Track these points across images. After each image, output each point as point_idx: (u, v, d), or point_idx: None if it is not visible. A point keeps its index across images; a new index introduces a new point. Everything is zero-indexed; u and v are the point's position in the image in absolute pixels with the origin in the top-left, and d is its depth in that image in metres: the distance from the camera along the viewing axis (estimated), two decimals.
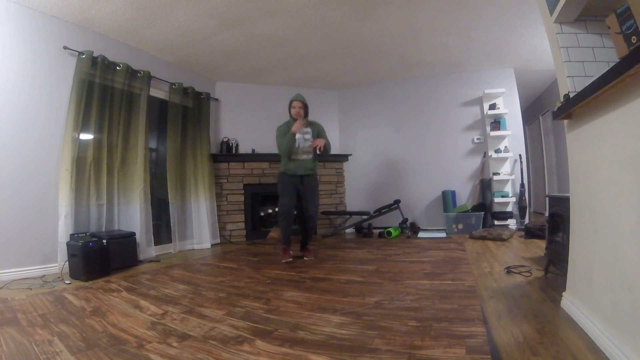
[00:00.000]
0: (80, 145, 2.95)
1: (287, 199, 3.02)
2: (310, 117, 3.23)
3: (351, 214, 4.77)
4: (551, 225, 2.13)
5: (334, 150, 5.25)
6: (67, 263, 2.65)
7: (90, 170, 3.00)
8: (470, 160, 4.75)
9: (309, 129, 3.09)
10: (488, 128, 4.62)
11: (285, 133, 3.03)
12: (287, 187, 3.02)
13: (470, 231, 4.18)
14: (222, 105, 4.80)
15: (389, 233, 4.24)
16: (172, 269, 2.89)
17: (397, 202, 4.57)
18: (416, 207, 4.91)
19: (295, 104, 3.06)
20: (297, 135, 2.99)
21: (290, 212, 3.03)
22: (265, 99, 4.95)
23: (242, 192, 4.64)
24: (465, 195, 4.74)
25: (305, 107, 3.08)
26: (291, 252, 3.03)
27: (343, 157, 5.24)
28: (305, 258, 3.08)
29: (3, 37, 2.60)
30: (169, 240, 3.79)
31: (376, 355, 1.20)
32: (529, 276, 2.15)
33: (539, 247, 3.07)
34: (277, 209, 4.95)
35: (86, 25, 3.09)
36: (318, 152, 3.04)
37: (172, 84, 3.91)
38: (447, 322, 1.47)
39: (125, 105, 3.34)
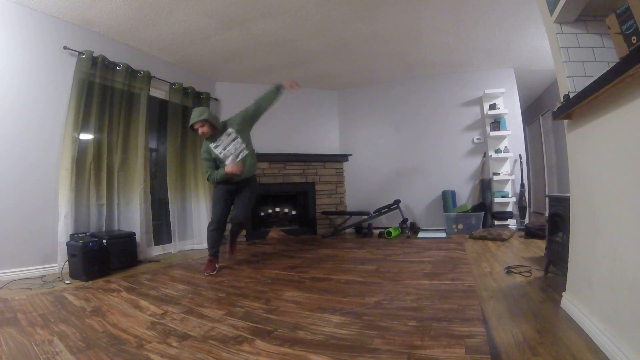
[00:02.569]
0: (80, 145, 2.95)
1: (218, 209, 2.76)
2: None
3: (351, 214, 4.77)
4: (551, 225, 2.13)
5: (334, 150, 5.30)
6: (67, 263, 2.65)
7: (90, 170, 3.00)
8: (470, 160, 4.75)
9: (229, 136, 2.69)
10: (488, 128, 4.62)
11: (208, 160, 2.72)
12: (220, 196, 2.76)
13: (470, 231, 4.18)
14: (222, 105, 4.80)
15: (389, 233, 4.24)
16: (172, 269, 2.89)
17: (397, 202, 4.57)
18: (416, 207, 4.91)
19: (196, 126, 2.62)
20: (219, 150, 2.68)
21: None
22: None
23: None
24: (465, 195, 4.74)
25: (208, 123, 2.62)
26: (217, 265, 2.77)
27: (343, 157, 5.24)
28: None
29: (3, 37, 2.60)
30: (169, 240, 3.78)
31: (376, 355, 1.20)
32: (529, 276, 2.15)
33: (539, 247, 3.07)
34: (277, 209, 4.99)
35: (86, 25, 3.09)
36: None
37: (172, 84, 3.91)
38: (447, 322, 1.47)
39: (125, 105, 3.34)
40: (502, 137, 4.58)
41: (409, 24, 3.44)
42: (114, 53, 3.24)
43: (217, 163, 2.74)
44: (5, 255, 2.52)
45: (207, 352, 1.28)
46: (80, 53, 2.96)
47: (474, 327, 1.39)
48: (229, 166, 2.63)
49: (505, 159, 4.58)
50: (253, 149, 2.83)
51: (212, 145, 2.69)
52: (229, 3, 2.90)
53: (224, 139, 2.70)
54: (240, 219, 2.83)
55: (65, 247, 2.67)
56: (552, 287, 1.88)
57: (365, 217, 4.70)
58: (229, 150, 2.69)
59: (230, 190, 2.77)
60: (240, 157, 2.71)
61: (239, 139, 2.72)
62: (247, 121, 2.80)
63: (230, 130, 2.72)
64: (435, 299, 1.80)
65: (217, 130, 2.68)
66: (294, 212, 5.15)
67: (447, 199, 4.59)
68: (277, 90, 2.85)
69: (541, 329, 1.36)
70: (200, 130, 2.63)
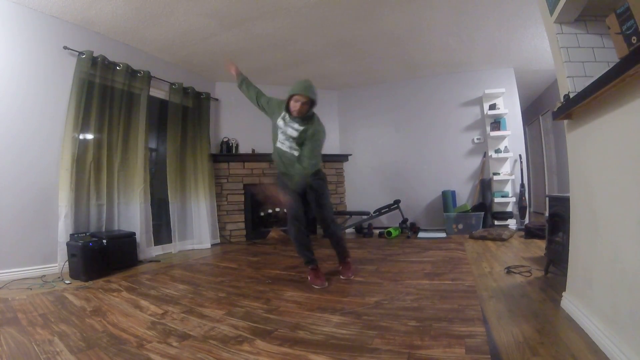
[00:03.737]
0: (80, 145, 2.95)
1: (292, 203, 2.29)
2: None
3: (351, 214, 4.77)
4: (551, 225, 2.13)
5: (334, 150, 5.29)
6: (67, 263, 2.66)
7: (90, 170, 3.00)
8: (470, 160, 4.75)
9: (298, 131, 2.21)
10: (488, 128, 4.62)
11: (266, 103, 2.40)
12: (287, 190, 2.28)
13: (470, 231, 4.18)
14: (222, 105, 4.80)
15: (389, 233, 4.24)
16: (172, 269, 2.89)
17: (397, 202, 4.57)
18: (416, 207, 4.91)
19: (297, 97, 2.16)
20: (279, 122, 2.28)
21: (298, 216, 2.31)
22: None
23: (242, 192, 4.63)
24: (465, 195, 4.74)
25: (310, 104, 2.22)
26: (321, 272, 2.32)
27: (343, 157, 5.24)
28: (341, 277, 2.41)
29: (3, 37, 2.60)
30: (169, 240, 3.78)
31: (376, 355, 1.20)
32: (529, 276, 2.15)
33: (539, 247, 3.07)
34: (277, 209, 4.98)
35: (86, 25, 3.08)
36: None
37: (172, 84, 3.91)
38: (447, 322, 1.47)
39: (125, 105, 3.34)
40: (502, 137, 4.58)
41: (409, 24, 3.44)
42: (114, 53, 3.24)
43: (267, 112, 2.41)
44: (5, 255, 2.51)
45: (207, 352, 1.28)
46: (80, 53, 2.96)
47: (474, 327, 1.39)
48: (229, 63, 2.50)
49: (505, 159, 4.58)
50: (305, 160, 2.21)
51: (282, 115, 2.27)
52: (229, 3, 2.90)
53: (294, 127, 2.23)
54: (322, 218, 2.33)
55: (65, 247, 2.67)
56: (552, 287, 1.88)
57: (365, 217, 4.70)
58: (288, 134, 2.25)
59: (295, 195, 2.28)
60: (287, 149, 2.27)
61: (296, 142, 2.24)
62: (304, 141, 2.26)
63: (303, 129, 2.22)
64: (435, 299, 1.80)
65: (305, 116, 2.22)
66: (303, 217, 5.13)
67: (447, 199, 4.59)
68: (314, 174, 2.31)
69: (541, 329, 1.36)
70: (295, 106, 2.16)
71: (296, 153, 2.26)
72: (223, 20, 3.17)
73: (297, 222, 2.28)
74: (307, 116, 2.24)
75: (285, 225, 4.94)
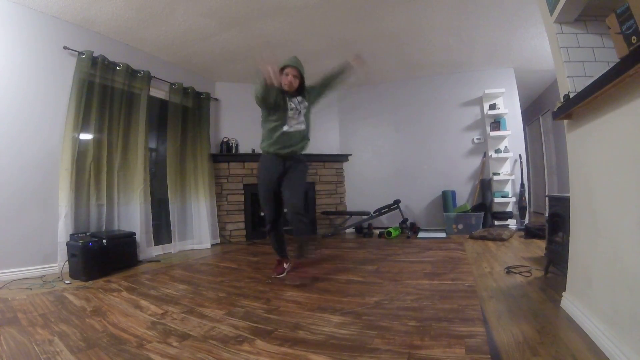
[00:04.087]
0: (80, 145, 2.95)
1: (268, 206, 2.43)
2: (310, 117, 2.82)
3: (351, 214, 4.77)
4: (551, 225, 2.13)
5: (334, 150, 5.30)
6: (67, 263, 2.66)
7: (90, 170, 3.00)
8: (470, 160, 4.75)
9: (299, 104, 2.35)
10: (488, 128, 4.62)
11: (265, 93, 2.21)
12: (267, 190, 2.39)
13: (470, 231, 4.18)
14: (222, 105, 4.80)
15: (389, 233, 4.24)
16: (172, 269, 2.89)
17: (397, 202, 4.57)
18: (416, 207, 4.91)
19: (288, 70, 2.27)
20: (291, 105, 2.32)
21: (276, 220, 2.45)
22: None
23: (242, 192, 4.63)
24: (465, 195, 4.74)
25: (301, 78, 2.34)
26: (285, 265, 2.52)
27: (343, 157, 5.24)
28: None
29: (3, 37, 2.60)
30: (169, 240, 3.78)
31: (376, 355, 1.20)
32: (529, 276, 2.15)
33: (539, 247, 3.07)
34: None
35: (86, 25, 3.09)
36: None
37: (172, 84, 3.91)
38: (447, 322, 1.47)
39: (125, 105, 3.34)
40: (502, 137, 4.58)
41: (409, 24, 3.44)
42: (114, 53, 3.24)
43: (268, 108, 2.32)
44: (6, 255, 2.52)
45: (207, 352, 1.28)
46: (80, 53, 2.96)
47: (474, 327, 1.39)
48: (267, 66, 2.04)
49: (505, 159, 4.58)
50: (309, 130, 2.44)
51: (282, 97, 2.32)
52: (229, 3, 2.90)
53: (295, 104, 2.34)
54: (293, 204, 2.30)
55: (65, 247, 2.67)
56: (552, 287, 1.88)
57: (365, 217, 4.70)
58: (298, 110, 2.35)
59: (273, 184, 2.38)
60: (294, 128, 2.34)
61: (303, 115, 2.38)
62: (316, 97, 2.48)
63: (305, 103, 2.39)
64: (435, 299, 1.80)
65: (298, 92, 2.35)
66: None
67: (447, 199, 4.59)
68: (344, 70, 2.44)
69: (541, 329, 1.36)
70: (286, 79, 2.27)
71: (302, 126, 2.39)
72: (223, 20, 3.17)
73: (275, 229, 2.49)
74: (300, 89, 2.38)
75: (286, 225, 4.96)
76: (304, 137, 2.41)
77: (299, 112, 2.37)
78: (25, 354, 1.28)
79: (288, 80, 2.29)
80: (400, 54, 4.20)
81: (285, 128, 2.33)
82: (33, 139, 2.72)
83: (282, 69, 2.29)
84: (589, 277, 1.34)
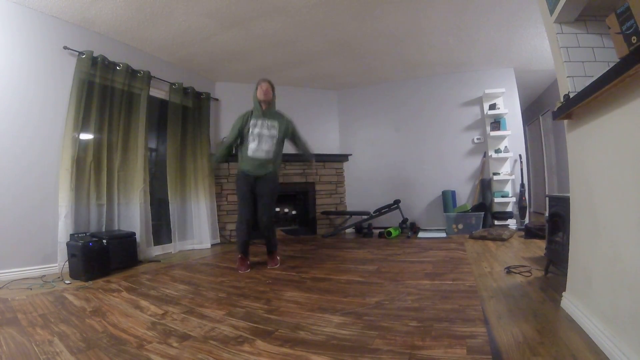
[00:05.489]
0: (80, 145, 2.95)
1: (245, 207, 2.71)
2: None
3: (351, 214, 4.77)
4: (551, 225, 2.12)
5: (334, 150, 5.30)
6: (67, 263, 2.65)
7: (90, 170, 3.00)
8: (470, 160, 4.75)
9: (275, 122, 2.72)
10: (488, 128, 4.62)
11: (237, 127, 2.70)
12: (244, 192, 2.71)
13: (470, 231, 4.18)
14: (222, 105, 4.80)
15: (389, 233, 4.24)
16: (172, 269, 2.89)
17: (397, 202, 4.57)
18: (416, 207, 4.91)
19: (263, 84, 2.69)
20: (256, 130, 2.65)
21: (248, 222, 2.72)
22: None
23: None
24: (465, 195, 4.74)
25: (273, 90, 2.74)
26: (249, 262, 2.77)
27: (343, 157, 5.24)
28: (267, 266, 2.79)
29: (3, 37, 2.60)
30: (169, 240, 3.78)
31: (377, 356, 1.20)
32: (529, 276, 2.15)
33: (539, 247, 3.07)
34: (277, 209, 4.98)
35: (86, 25, 3.08)
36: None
37: (172, 84, 3.91)
38: (448, 322, 1.47)
39: (125, 105, 3.34)
40: (502, 137, 4.58)
41: (409, 24, 3.44)
42: (114, 53, 3.24)
43: (241, 137, 2.72)
44: (5, 255, 2.51)
45: (207, 353, 1.27)
46: (80, 53, 2.96)
47: (475, 328, 1.39)
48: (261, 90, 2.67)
49: (505, 159, 4.58)
50: (280, 155, 2.84)
51: (252, 121, 2.68)
52: (229, 3, 2.90)
53: (266, 125, 2.69)
54: (263, 221, 2.70)
55: (65, 247, 2.67)
56: (552, 287, 1.88)
57: (365, 217, 4.70)
58: (262, 136, 2.67)
59: (251, 186, 2.70)
60: (265, 149, 2.68)
61: (275, 139, 2.72)
62: (286, 135, 2.83)
63: (276, 124, 2.74)
64: (436, 299, 1.80)
65: (270, 107, 2.74)
66: (294, 212, 5.15)
67: (447, 199, 4.59)
68: (305, 155, 3.03)
69: (541, 329, 1.36)
70: (261, 90, 2.67)
71: (272, 155, 2.70)
72: (223, 20, 3.17)
73: (246, 226, 2.70)
74: (275, 111, 2.78)
75: (287, 225, 4.97)
76: (269, 161, 2.72)
77: (268, 139, 2.68)
78: (25, 355, 1.28)
79: (264, 89, 2.68)
80: (400, 54, 4.20)
81: (250, 152, 2.66)
82: (33, 139, 2.72)
83: (257, 86, 2.72)
84: (589, 277, 1.34)
